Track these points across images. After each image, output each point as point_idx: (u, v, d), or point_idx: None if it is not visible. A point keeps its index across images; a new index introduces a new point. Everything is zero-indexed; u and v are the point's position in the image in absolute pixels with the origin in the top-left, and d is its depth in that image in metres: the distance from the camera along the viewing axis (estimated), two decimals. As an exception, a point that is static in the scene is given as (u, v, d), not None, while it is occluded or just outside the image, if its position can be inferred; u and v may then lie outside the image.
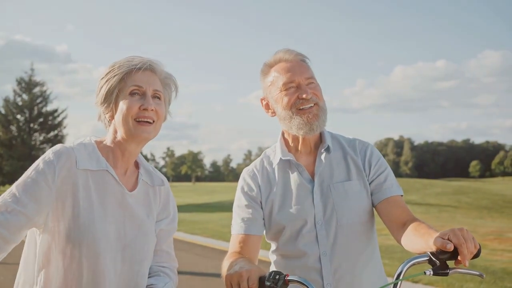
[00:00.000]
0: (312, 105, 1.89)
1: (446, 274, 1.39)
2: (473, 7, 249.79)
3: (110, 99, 1.62)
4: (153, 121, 1.63)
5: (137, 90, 1.61)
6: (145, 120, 1.60)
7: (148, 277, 1.71)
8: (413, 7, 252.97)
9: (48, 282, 1.52)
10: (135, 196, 1.67)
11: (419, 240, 1.57)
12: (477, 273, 1.43)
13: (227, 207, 26.97)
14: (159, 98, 1.66)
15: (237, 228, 1.94)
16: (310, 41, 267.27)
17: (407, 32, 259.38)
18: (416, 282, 7.08)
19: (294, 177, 1.95)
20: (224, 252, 1.81)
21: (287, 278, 1.40)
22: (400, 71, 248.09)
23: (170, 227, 1.81)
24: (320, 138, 2.01)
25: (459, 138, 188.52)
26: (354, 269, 1.86)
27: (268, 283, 1.39)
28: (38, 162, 1.54)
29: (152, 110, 1.61)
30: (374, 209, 1.95)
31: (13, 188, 1.50)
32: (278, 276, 1.40)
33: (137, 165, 1.76)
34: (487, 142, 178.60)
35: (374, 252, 1.97)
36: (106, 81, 1.62)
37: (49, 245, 1.52)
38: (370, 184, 1.93)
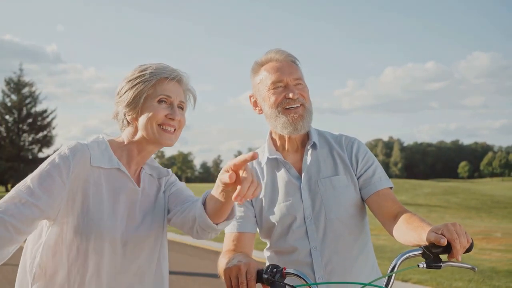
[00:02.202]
0: (299, 105, 1.91)
1: (439, 267, 1.42)
2: (462, 9, 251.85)
3: (138, 102, 1.65)
4: (175, 129, 1.68)
5: (165, 99, 1.66)
6: (169, 129, 1.65)
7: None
8: (404, 9, 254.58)
9: (51, 275, 1.55)
10: (142, 192, 1.71)
11: (411, 233, 1.60)
12: (469, 266, 1.46)
13: (217, 207, 26.84)
14: (182, 108, 1.72)
15: (230, 227, 1.95)
16: (300, 42, 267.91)
17: (397, 34, 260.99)
18: (406, 281, 7.14)
19: (281, 174, 1.98)
20: (215, 252, 1.82)
21: (285, 271, 1.43)
22: (390, 72, 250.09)
23: (179, 185, 1.83)
24: (307, 135, 2.03)
25: (448, 139, 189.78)
26: (345, 262, 1.89)
27: (266, 276, 1.42)
28: (54, 157, 1.57)
29: (177, 120, 1.66)
30: (364, 203, 1.97)
31: (28, 180, 1.53)
32: (275, 269, 1.43)
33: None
34: (476, 143, 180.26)
35: (366, 245, 1.99)
36: (136, 84, 1.65)
37: (56, 238, 1.55)
38: (359, 178, 1.95)
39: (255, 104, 2.03)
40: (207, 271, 8.25)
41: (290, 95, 1.89)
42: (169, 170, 1.87)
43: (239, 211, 1.96)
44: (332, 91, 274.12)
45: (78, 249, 1.54)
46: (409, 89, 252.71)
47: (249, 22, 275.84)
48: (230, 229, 1.95)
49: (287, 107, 1.90)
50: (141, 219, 1.68)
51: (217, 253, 11.14)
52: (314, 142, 1.99)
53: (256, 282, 1.45)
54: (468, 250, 1.42)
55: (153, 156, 1.83)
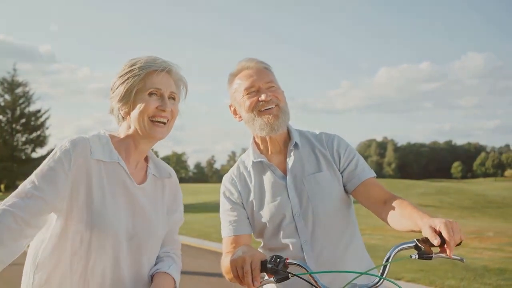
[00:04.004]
0: (273, 106, 2.00)
1: (430, 258, 1.51)
2: (457, 10, 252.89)
3: (129, 97, 1.70)
4: (168, 120, 1.73)
5: (156, 91, 1.71)
6: (161, 120, 1.71)
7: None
8: (398, 9, 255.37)
9: (54, 265, 1.60)
10: (144, 189, 1.76)
11: (406, 220, 1.71)
12: (458, 258, 1.54)
13: (211, 207, 26.96)
14: (174, 99, 1.77)
15: (226, 231, 2.05)
16: (295, 43, 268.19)
17: (391, 34, 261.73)
18: (399, 279, 7.21)
19: (268, 176, 2.07)
20: (210, 251, 1.90)
21: (287, 261, 1.53)
22: (385, 72, 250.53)
23: (179, 218, 1.92)
24: (288, 136, 2.13)
25: (442, 140, 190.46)
26: (335, 253, 1.98)
27: (270, 266, 1.51)
28: (55, 151, 1.63)
29: (169, 111, 1.72)
30: (351, 195, 2.06)
31: (32, 175, 1.59)
32: (278, 259, 1.52)
33: (146, 158, 1.86)
34: (469, 144, 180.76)
35: (354, 236, 2.08)
36: (126, 79, 1.70)
37: (61, 229, 1.60)
38: (343, 172, 2.04)
39: (235, 112, 2.13)
40: (201, 270, 8.30)
41: (263, 97, 1.98)
42: (171, 172, 1.93)
43: (232, 215, 2.06)
44: (326, 92, 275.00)
45: (81, 240, 1.59)
46: (403, 89, 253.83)
47: (244, 23, 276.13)
48: (227, 233, 2.04)
49: (262, 109, 2.00)
50: (147, 217, 1.73)
51: (212, 252, 11.15)
52: (296, 142, 2.08)
53: (261, 272, 1.53)
54: (458, 244, 1.50)
55: (157, 152, 1.88)
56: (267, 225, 2.02)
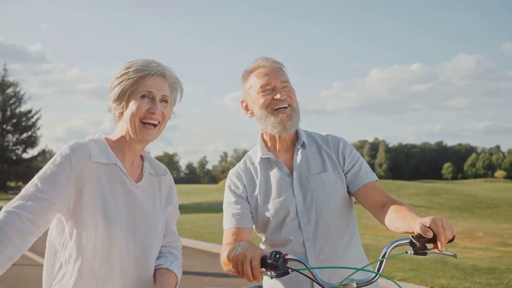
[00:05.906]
0: (286, 106, 2.07)
1: (425, 254, 1.58)
2: (448, 11, 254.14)
3: (123, 98, 1.78)
4: (158, 123, 1.80)
5: (147, 94, 1.77)
6: (151, 122, 1.78)
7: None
8: (389, 10, 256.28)
9: (67, 265, 1.69)
10: (141, 187, 1.84)
11: (401, 221, 1.77)
12: (451, 253, 1.61)
13: (203, 208, 26.92)
14: (166, 101, 1.83)
15: (228, 223, 2.10)
16: (286, 43, 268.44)
17: (383, 35, 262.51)
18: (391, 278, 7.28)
19: (274, 173, 2.13)
20: (204, 252, 1.95)
21: (287, 257, 1.58)
22: (376, 74, 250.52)
23: (174, 210, 1.99)
24: (296, 135, 2.19)
25: (433, 140, 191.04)
26: (336, 251, 2.04)
27: (270, 261, 1.56)
28: (56, 157, 1.70)
29: (159, 113, 1.78)
30: (353, 196, 2.13)
31: (35, 179, 1.65)
32: (278, 255, 1.57)
33: (141, 157, 1.93)
34: (460, 145, 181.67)
35: (354, 235, 2.15)
36: (121, 81, 1.78)
37: (69, 232, 1.69)
38: (346, 174, 2.12)
39: (247, 108, 2.19)
40: (195, 269, 8.31)
41: (278, 96, 2.04)
42: (166, 169, 1.99)
43: (236, 208, 2.11)
44: (318, 93, 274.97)
45: (88, 241, 1.67)
46: (394, 90, 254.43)
47: (236, 23, 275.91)
48: (228, 225, 2.09)
49: (276, 108, 2.05)
50: (146, 214, 1.81)
51: (204, 252, 11.12)
52: (303, 141, 2.14)
53: (261, 267, 1.58)
54: (451, 241, 1.57)
55: (149, 152, 1.96)
56: (271, 219, 2.08)
